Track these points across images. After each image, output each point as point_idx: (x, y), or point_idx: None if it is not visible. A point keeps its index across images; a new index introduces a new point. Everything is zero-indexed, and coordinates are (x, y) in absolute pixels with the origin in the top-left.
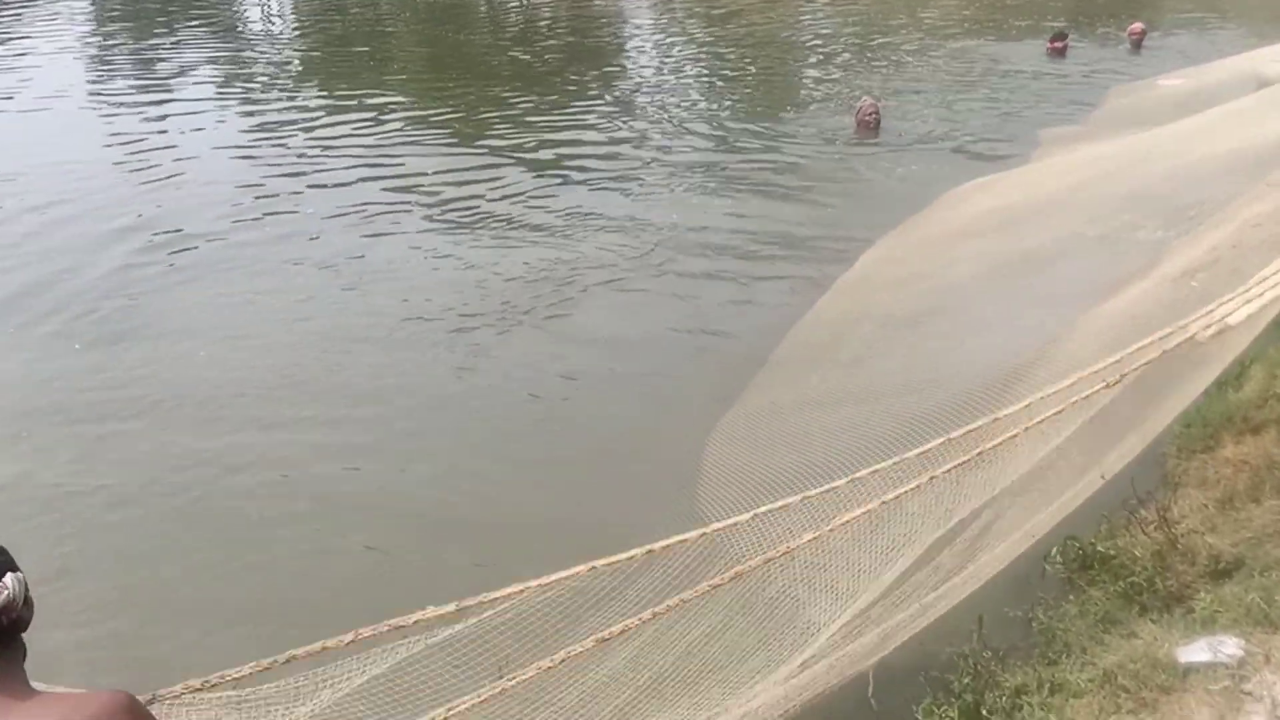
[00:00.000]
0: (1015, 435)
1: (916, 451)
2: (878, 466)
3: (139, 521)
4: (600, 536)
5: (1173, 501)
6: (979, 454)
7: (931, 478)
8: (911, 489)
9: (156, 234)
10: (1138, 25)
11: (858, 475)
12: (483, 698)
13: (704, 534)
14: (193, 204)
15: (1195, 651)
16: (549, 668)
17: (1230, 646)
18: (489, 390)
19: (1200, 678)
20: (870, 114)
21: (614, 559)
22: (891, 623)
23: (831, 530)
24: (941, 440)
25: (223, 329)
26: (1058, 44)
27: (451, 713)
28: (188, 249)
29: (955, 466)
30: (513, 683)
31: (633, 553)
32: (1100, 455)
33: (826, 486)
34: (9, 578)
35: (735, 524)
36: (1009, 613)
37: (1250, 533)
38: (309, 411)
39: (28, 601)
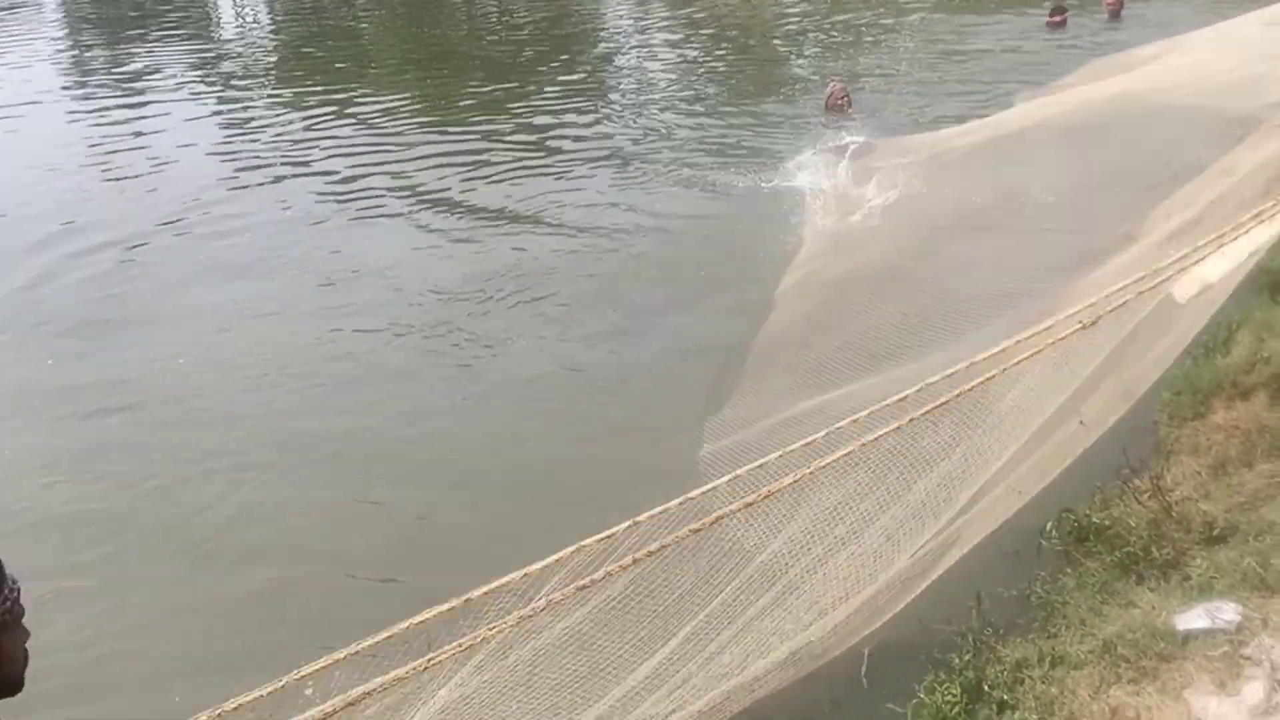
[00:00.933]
0: (993, 376)
1: (895, 398)
2: (856, 416)
3: (117, 547)
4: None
5: (1165, 469)
6: (957, 395)
7: (911, 419)
8: (891, 430)
9: (129, 237)
10: None
11: (837, 426)
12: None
13: (687, 498)
14: (168, 207)
15: (1193, 618)
16: (530, 616)
17: (1228, 612)
18: (472, 392)
19: (1199, 644)
20: (840, 97)
21: (600, 536)
22: (890, 575)
23: (811, 473)
24: (919, 387)
25: (201, 335)
26: (1057, 18)
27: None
28: (163, 252)
29: (934, 408)
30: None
31: (615, 530)
32: (1081, 403)
33: (805, 440)
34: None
35: (715, 487)
36: (1006, 591)
37: (1243, 498)
38: (290, 424)
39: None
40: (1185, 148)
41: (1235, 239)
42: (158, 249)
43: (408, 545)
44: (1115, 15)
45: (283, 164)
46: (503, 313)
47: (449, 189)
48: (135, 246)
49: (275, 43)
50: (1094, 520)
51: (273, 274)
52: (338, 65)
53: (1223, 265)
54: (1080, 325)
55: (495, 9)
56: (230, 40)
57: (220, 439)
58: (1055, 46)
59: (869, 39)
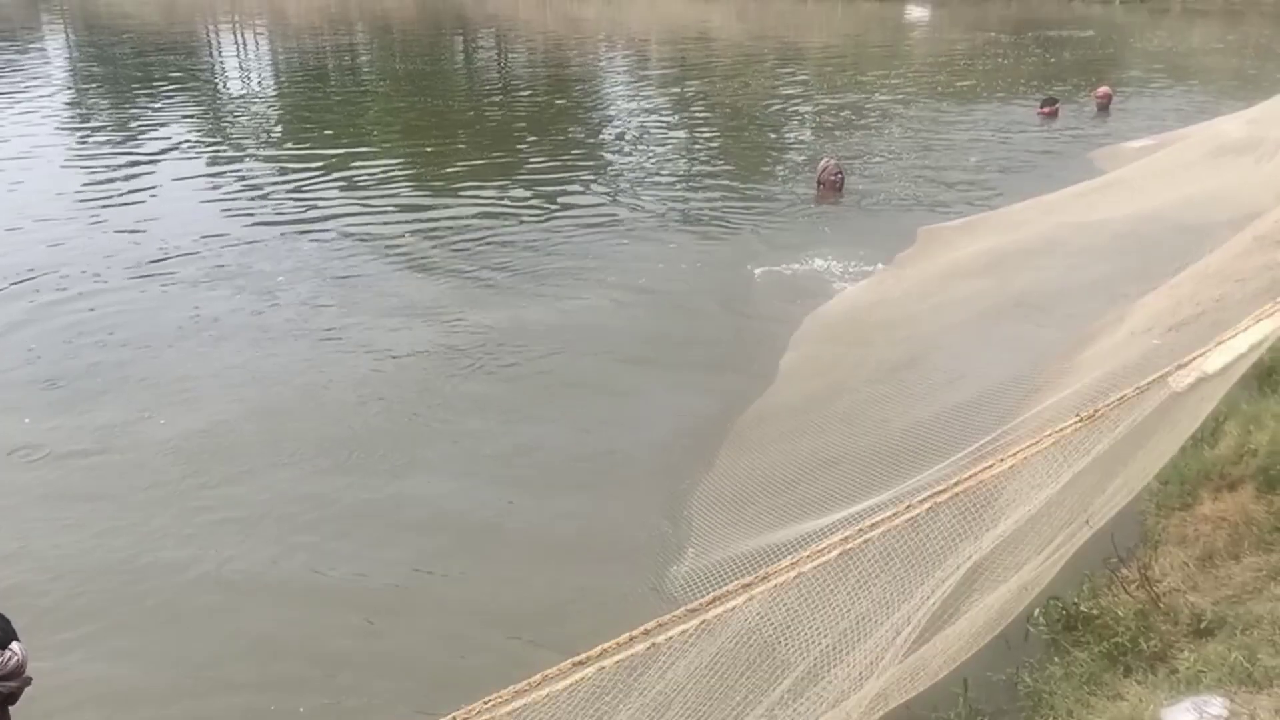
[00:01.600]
0: (991, 466)
1: (890, 492)
2: (852, 509)
3: (107, 615)
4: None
5: (1153, 559)
6: (955, 484)
7: (908, 506)
8: (886, 517)
9: (114, 289)
10: (1104, 89)
11: (833, 518)
12: None
13: (703, 621)
14: (158, 261)
15: (1180, 713)
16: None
17: (1215, 707)
18: (458, 459)
19: None
20: (834, 175)
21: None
22: (883, 680)
23: (808, 556)
24: (917, 478)
25: (187, 392)
26: (1048, 109)
27: None
28: (150, 307)
29: (930, 498)
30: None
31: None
32: (1084, 504)
33: (805, 530)
34: (15, 645)
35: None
36: (994, 676)
37: (1231, 590)
38: (270, 489)
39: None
40: (1170, 249)
41: (1235, 336)
42: (143, 303)
43: (383, 617)
44: (1104, 109)
45: (278, 224)
46: (483, 382)
47: (439, 255)
48: (119, 300)
49: (279, 105)
50: (1082, 609)
51: (260, 333)
52: (340, 129)
53: (1222, 359)
54: (1079, 419)
55: (497, 82)
56: (234, 102)
57: (195, 499)
58: (1045, 137)
59: (859, 122)
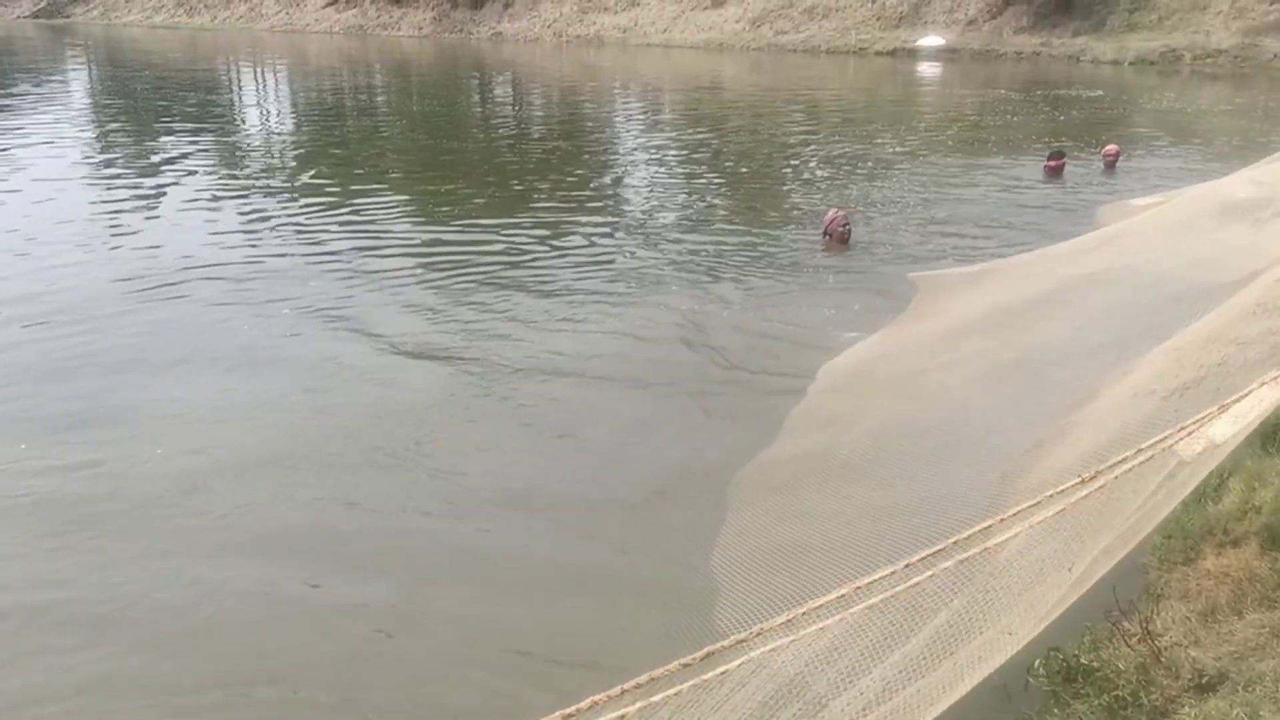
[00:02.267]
0: (990, 526)
1: (902, 564)
2: (860, 583)
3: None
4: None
5: (1155, 613)
6: (953, 542)
7: (907, 565)
8: (890, 595)
9: (114, 318)
10: (1112, 147)
11: (840, 593)
12: None
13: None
14: (171, 298)
15: None
16: None
17: None
18: (460, 506)
19: None
20: (841, 226)
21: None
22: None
23: (804, 615)
24: (928, 553)
25: (182, 426)
26: (1054, 163)
27: None
28: (153, 337)
29: (929, 555)
30: None
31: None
32: (1076, 553)
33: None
34: None
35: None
36: None
37: (1233, 646)
38: (262, 523)
39: None
40: (1173, 307)
41: (1241, 401)
42: (149, 329)
43: (373, 647)
44: (1111, 167)
45: (286, 255)
46: (482, 421)
47: (445, 295)
48: (123, 325)
49: (295, 142)
50: (1082, 661)
51: (262, 368)
52: (354, 166)
53: (1230, 427)
54: (1080, 480)
55: (512, 125)
56: (251, 138)
57: (190, 526)
58: (1052, 193)
59: (867, 174)
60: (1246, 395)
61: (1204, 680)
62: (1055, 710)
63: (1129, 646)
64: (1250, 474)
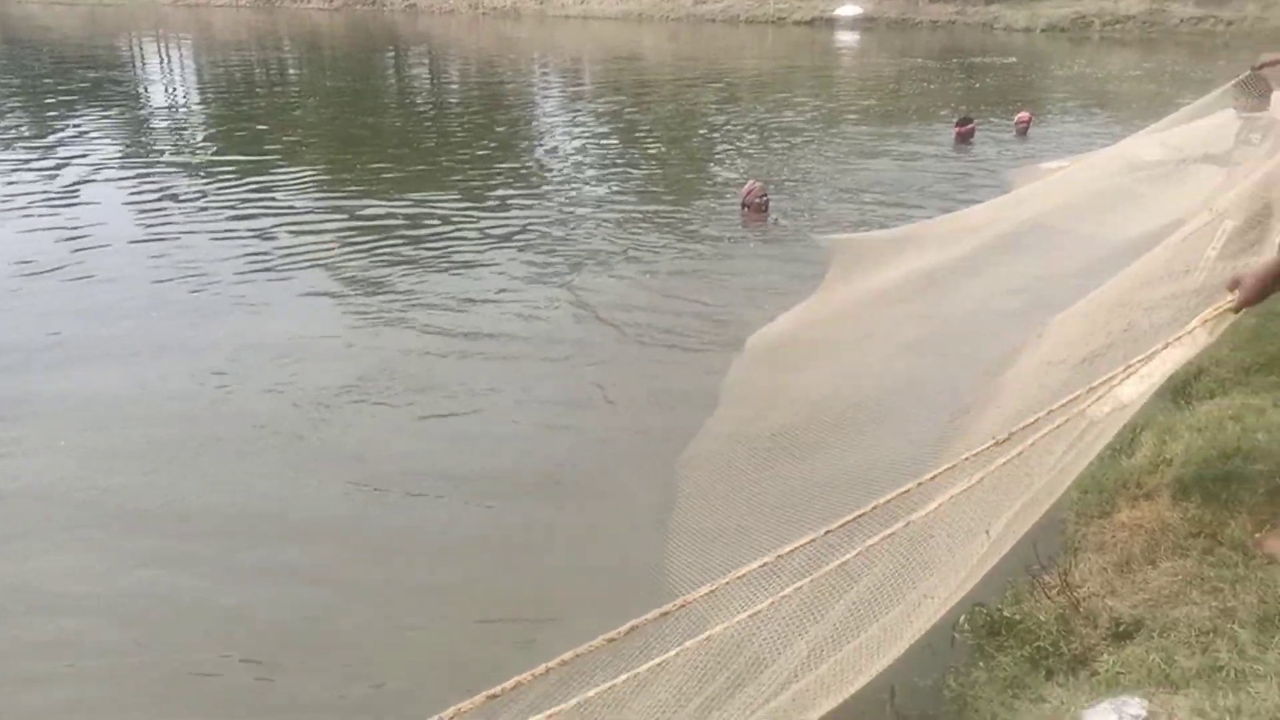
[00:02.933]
0: (908, 490)
1: (823, 531)
2: (782, 550)
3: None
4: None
5: (1073, 566)
6: (873, 508)
7: (827, 531)
8: (804, 543)
9: (27, 313)
10: (1024, 114)
11: (763, 561)
12: None
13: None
14: (72, 279)
15: (1100, 714)
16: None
17: (1134, 707)
18: (390, 494)
19: None
20: (759, 197)
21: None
22: (802, 686)
23: (723, 584)
24: (848, 519)
25: (85, 418)
26: (963, 129)
27: None
28: (57, 327)
29: (849, 521)
30: None
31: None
32: (993, 517)
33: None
34: None
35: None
36: (920, 682)
37: (1148, 595)
38: (172, 510)
39: None
40: (1081, 266)
41: (1147, 363)
42: (42, 316)
43: (309, 650)
44: (1024, 133)
45: (190, 235)
46: (404, 407)
47: (361, 274)
48: (16, 313)
49: (202, 118)
50: (1005, 614)
51: (169, 352)
52: (265, 142)
53: (1137, 387)
54: (994, 441)
55: (429, 99)
56: (156, 114)
57: (90, 527)
58: (965, 158)
59: (787, 143)
60: (1152, 357)
61: (1121, 628)
62: (980, 663)
63: (1049, 599)
64: (1161, 428)
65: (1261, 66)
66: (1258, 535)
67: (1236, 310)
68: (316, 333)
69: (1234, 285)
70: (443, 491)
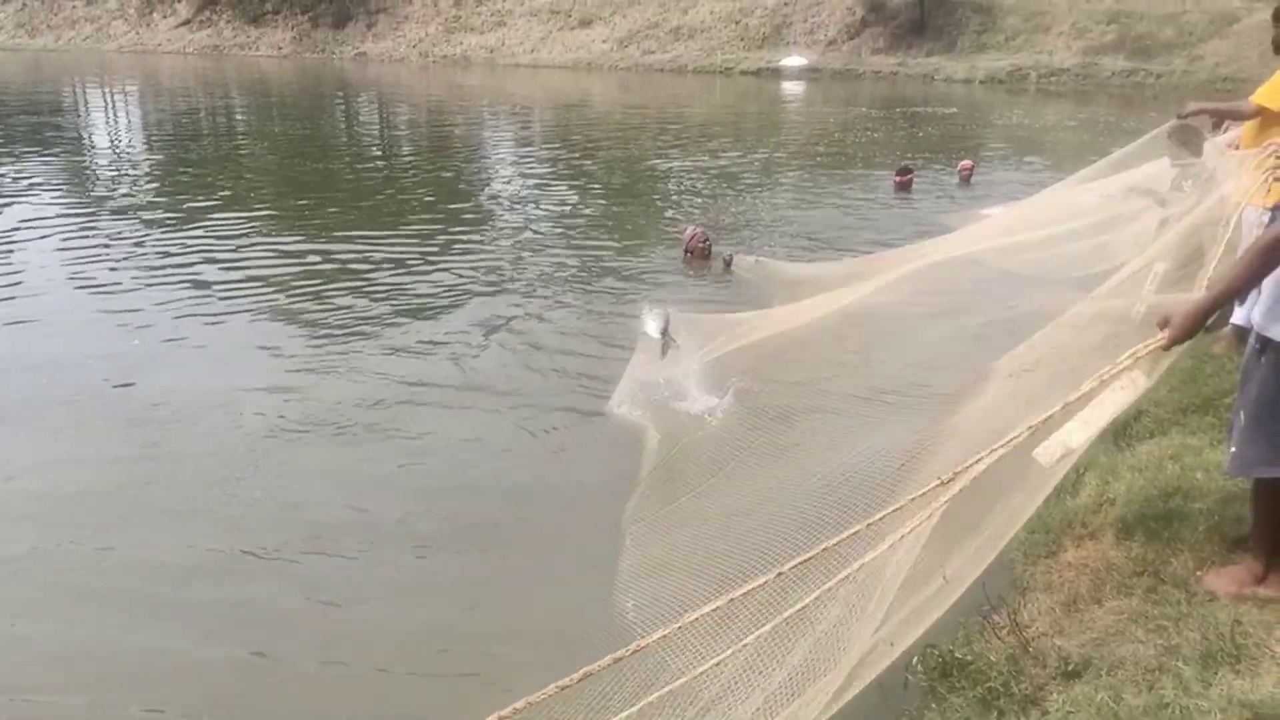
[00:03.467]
0: (856, 531)
1: (774, 574)
2: (734, 594)
3: None
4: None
5: (1022, 606)
6: (822, 549)
7: (778, 574)
8: (757, 586)
9: None
10: (967, 162)
11: (714, 605)
12: None
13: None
14: (8, 330)
15: None
16: None
17: None
18: (327, 541)
19: None
20: (701, 242)
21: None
22: None
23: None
24: (797, 561)
25: (19, 468)
26: (903, 178)
27: None
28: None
29: (799, 563)
30: None
31: None
32: (946, 558)
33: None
34: None
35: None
36: None
37: (1095, 633)
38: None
39: None
40: (1019, 312)
41: (1088, 406)
42: None
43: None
44: (966, 181)
45: (133, 284)
46: (333, 447)
47: (305, 316)
48: None
49: (145, 164)
50: (957, 655)
51: (104, 401)
52: (211, 188)
53: (1084, 433)
54: (939, 481)
55: (379, 145)
56: (96, 160)
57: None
58: (907, 205)
59: (732, 190)
60: (1090, 397)
61: (1070, 667)
62: (933, 705)
63: (999, 639)
64: (1104, 468)
65: (1187, 115)
66: (1199, 573)
67: (1167, 348)
68: (257, 378)
69: (1164, 323)
70: (382, 539)
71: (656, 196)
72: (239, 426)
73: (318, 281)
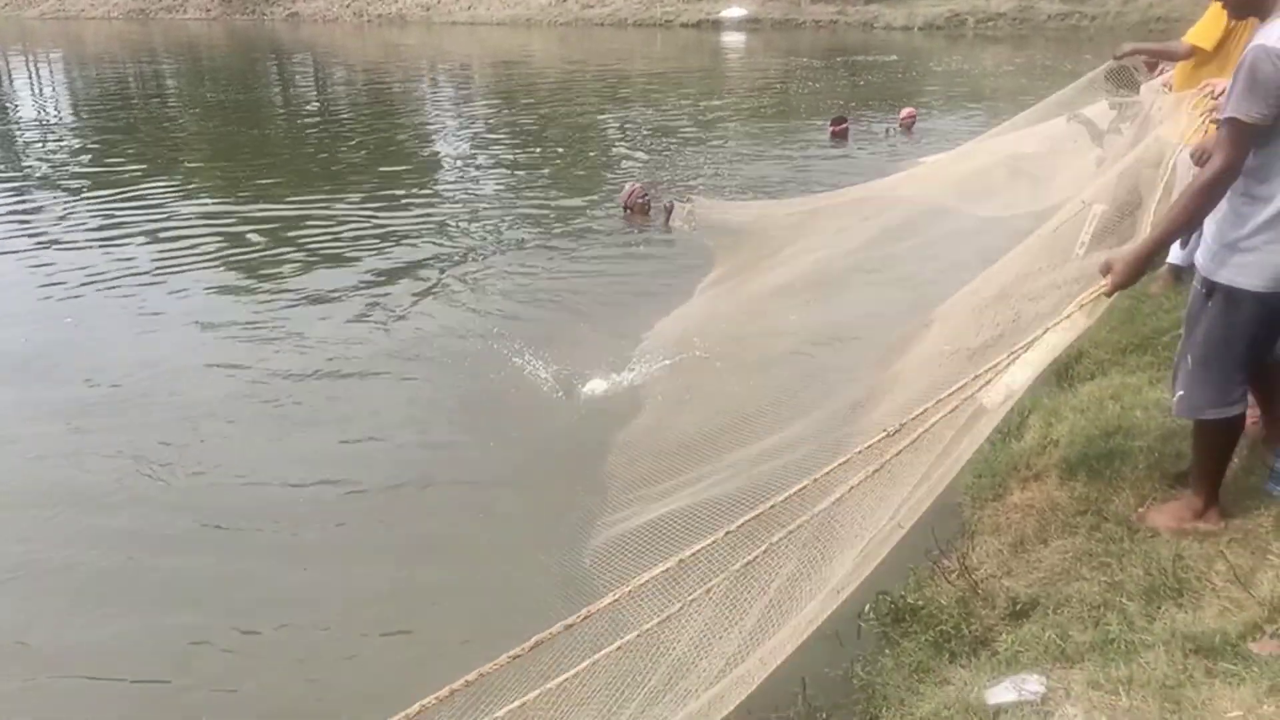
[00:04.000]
0: (805, 487)
1: (722, 533)
2: (684, 554)
3: None
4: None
5: (971, 549)
6: (770, 505)
7: (727, 533)
8: (708, 543)
9: None
10: (908, 110)
11: (665, 566)
12: None
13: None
14: None
15: (1001, 692)
16: None
17: (1033, 684)
18: (251, 529)
19: (1009, 717)
20: (640, 198)
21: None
22: (709, 695)
23: (628, 593)
24: (748, 518)
25: None
26: (838, 127)
27: None
28: None
29: (748, 520)
30: None
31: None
32: (895, 504)
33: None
34: None
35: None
36: (829, 672)
37: (1042, 573)
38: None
39: None
40: (964, 250)
41: (1031, 349)
42: None
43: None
44: (908, 129)
45: (61, 253)
46: (300, 416)
47: (243, 288)
48: None
49: (73, 133)
50: (908, 601)
51: (28, 372)
52: (142, 155)
53: (1025, 373)
54: (885, 433)
55: (315, 108)
56: (22, 130)
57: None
58: (849, 156)
59: (675, 144)
60: (1034, 342)
61: (1018, 607)
62: (887, 650)
63: (949, 583)
64: (1047, 411)
65: (1122, 56)
66: (1140, 509)
67: (1110, 294)
68: (192, 349)
69: (1107, 270)
70: (323, 507)
71: (597, 153)
72: (174, 396)
73: (253, 249)
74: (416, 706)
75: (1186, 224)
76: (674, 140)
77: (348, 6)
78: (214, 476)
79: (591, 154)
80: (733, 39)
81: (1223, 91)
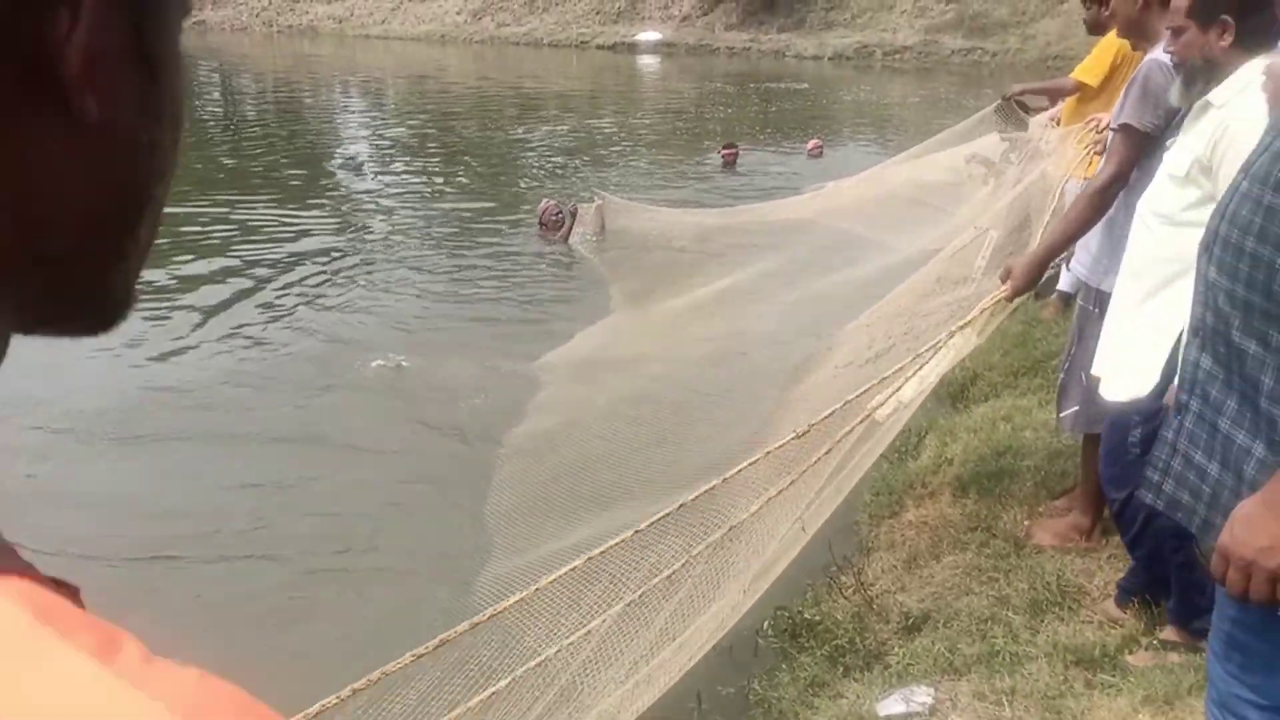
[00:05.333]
0: (713, 488)
1: (631, 531)
2: (592, 553)
3: None
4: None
5: (867, 565)
6: (679, 506)
7: (635, 531)
8: (616, 543)
9: None
10: (814, 141)
11: (571, 565)
12: None
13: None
14: None
15: (891, 704)
16: None
17: (921, 695)
18: (152, 544)
19: None
20: (554, 215)
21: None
22: (614, 699)
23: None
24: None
25: None
26: (728, 152)
27: None
28: None
29: (656, 520)
30: None
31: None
32: (801, 510)
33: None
34: None
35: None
36: (725, 690)
37: (934, 588)
38: None
39: None
40: (866, 278)
41: (921, 367)
42: None
43: None
44: (816, 157)
45: None
46: (136, 452)
47: (154, 309)
48: None
49: None
50: (806, 616)
51: None
52: None
53: (915, 388)
54: (795, 435)
55: (221, 120)
56: None
57: None
58: (752, 179)
59: (589, 162)
60: (937, 348)
61: (910, 621)
62: (784, 665)
63: (845, 598)
64: (943, 430)
65: (1010, 97)
66: (1027, 523)
67: (1010, 299)
68: (86, 367)
69: (1006, 275)
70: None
71: (511, 170)
72: (66, 416)
73: (153, 258)
74: (316, 707)
75: (1079, 230)
76: (587, 158)
77: (257, 16)
78: (112, 497)
79: (505, 171)
80: (647, 62)
81: (1106, 125)
